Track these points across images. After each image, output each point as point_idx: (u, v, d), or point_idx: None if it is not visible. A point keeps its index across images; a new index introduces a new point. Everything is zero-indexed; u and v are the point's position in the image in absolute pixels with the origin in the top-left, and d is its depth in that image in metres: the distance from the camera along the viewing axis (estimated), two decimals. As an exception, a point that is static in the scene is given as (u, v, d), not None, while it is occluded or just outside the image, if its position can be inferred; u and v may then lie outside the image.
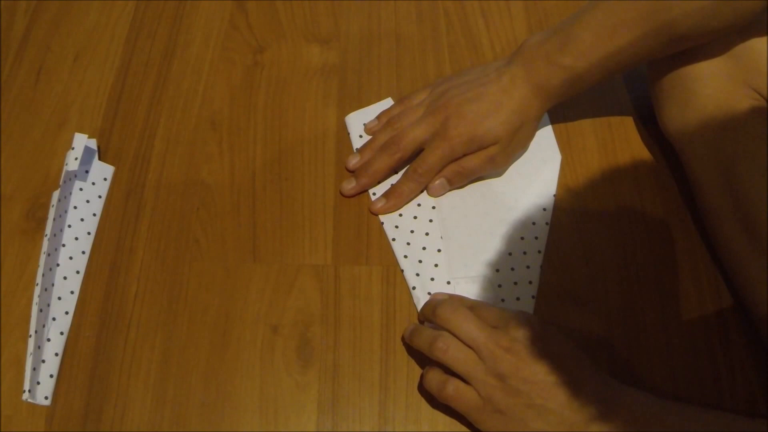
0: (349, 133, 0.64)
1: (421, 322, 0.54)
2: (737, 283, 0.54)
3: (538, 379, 0.46)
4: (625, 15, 0.52)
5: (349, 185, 0.60)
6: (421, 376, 0.51)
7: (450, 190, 0.60)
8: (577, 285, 0.56)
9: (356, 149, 0.63)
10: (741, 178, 0.52)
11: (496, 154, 0.57)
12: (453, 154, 0.57)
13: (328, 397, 0.52)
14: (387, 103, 0.65)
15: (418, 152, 0.59)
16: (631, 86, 0.67)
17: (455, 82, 0.60)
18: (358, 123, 0.64)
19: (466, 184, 0.61)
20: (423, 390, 0.51)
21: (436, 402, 0.51)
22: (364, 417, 0.51)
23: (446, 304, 0.50)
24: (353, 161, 0.61)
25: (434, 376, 0.50)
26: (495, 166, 0.59)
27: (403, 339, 0.54)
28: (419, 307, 0.55)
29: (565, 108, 0.65)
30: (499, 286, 0.56)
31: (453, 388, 0.48)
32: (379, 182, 0.61)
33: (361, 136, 0.63)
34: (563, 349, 0.47)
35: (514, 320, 0.48)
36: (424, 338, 0.50)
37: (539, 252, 0.57)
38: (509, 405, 0.46)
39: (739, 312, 0.55)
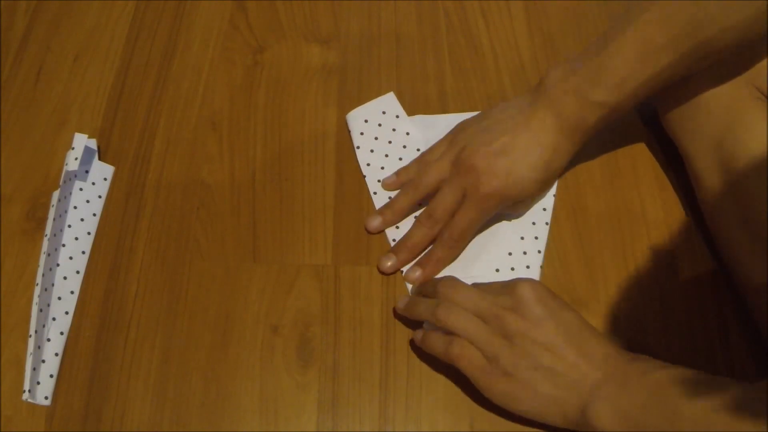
0: (350, 131, 0.64)
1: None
2: (738, 281, 0.54)
3: (546, 339, 0.46)
4: (659, 40, 0.49)
5: (390, 262, 0.56)
6: (413, 341, 0.52)
7: None
8: (577, 285, 0.56)
9: (357, 146, 0.62)
10: (743, 176, 0.52)
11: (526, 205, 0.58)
12: (483, 214, 0.55)
13: (328, 397, 0.52)
14: (389, 98, 0.65)
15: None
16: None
17: (477, 129, 0.56)
18: (360, 120, 0.64)
19: None
20: (424, 355, 0.52)
21: (436, 403, 0.51)
22: (364, 417, 0.51)
23: (446, 281, 0.51)
24: (374, 224, 0.58)
25: (438, 337, 0.49)
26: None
27: (395, 311, 0.54)
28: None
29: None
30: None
31: (459, 347, 0.48)
32: (418, 256, 0.57)
33: (362, 134, 0.63)
34: (570, 313, 0.47)
35: (517, 284, 0.48)
36: (424, 307, 0.50)
37: (539, 252, 0.57)
38: (516, 367, 0.46)
39: (739, 312, 0.55)
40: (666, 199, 0.60)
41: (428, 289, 0.52)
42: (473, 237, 0.57)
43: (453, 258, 0.56)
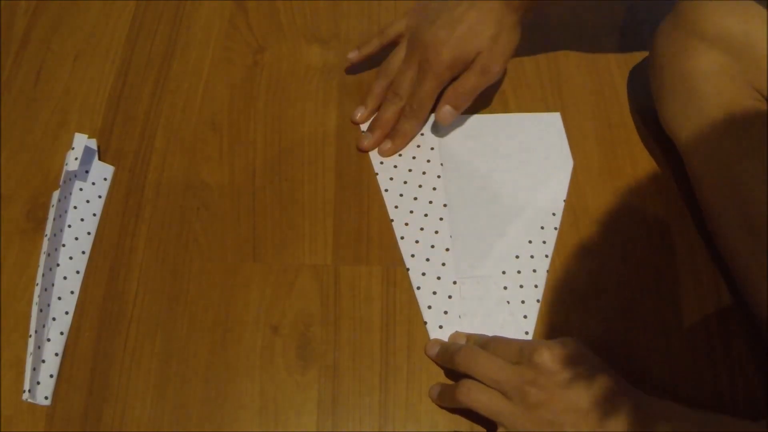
0: (362, 132, 0.64)
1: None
2: (739, 282, 0.54)
3: (569, 407, 0.45)
4: None
5: (366, 140, 0.62)
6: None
7: (459, 115, 0.61)
8: (577, 285, 0.56)
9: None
10: (743, 177, 0.52)
11: (485, 64, 0.58)
12: (441, 80, 0.59)
13: (328, 397, 0.52)
14: None
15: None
16: (632, 85, 0.67)
17: (425, 14, 0.61)
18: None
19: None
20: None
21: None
22: (364, 417, 0.51)
23: (464, 350, 0.50)
24: (360, 113, 0.64)
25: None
26: (491, 75, 0.59)
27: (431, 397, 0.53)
28: (423, 307, 0.55)
29: (565, 108, 0.65)
30: (505, 288, 0.56)
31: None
32: (388, 131, 0.63)
33: None
34: (590, 370, 0.46)
35: (535, 352, 0.47)
36: (448, 394, 0.50)
37: (546, 256, 0.57)
38: None
39: (740, 312, 0.55)
40: (666, 199, 0.60)
41: (446, 358, 0.52)
42: (433, 104, 0.61)
43: (419, 128, 0.63)
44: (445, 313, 0.55)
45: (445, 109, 0.60)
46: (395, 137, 0.62)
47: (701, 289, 0.56)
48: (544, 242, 0.58)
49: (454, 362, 0.50)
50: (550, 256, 0.57)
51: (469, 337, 0.53)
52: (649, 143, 0.63)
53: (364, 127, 0.64)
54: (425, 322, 0.55)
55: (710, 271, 0.57)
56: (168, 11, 0.72)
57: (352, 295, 0.56)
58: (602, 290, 0.56)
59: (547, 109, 0.65)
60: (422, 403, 0.52)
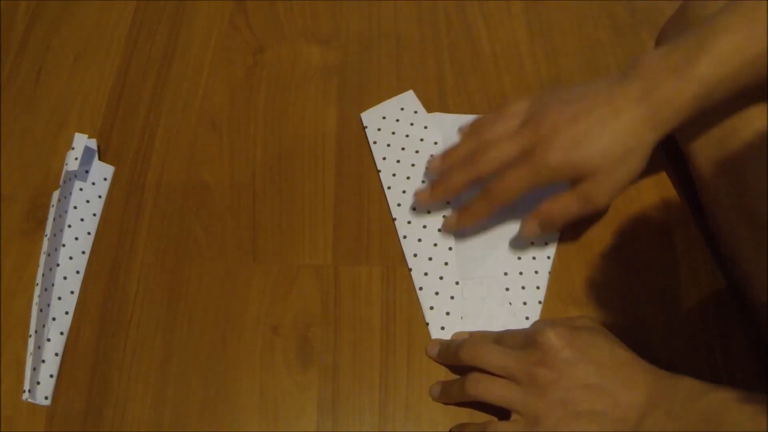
0: (365, 127, 0.63)
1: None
2: (740, 281, 0.54)
3: (580, 383, 0.45)
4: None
5: (424, 195, 0.56)
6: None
7: (542, 234, 0.55)
8: (577, 286, 0.56)
9: (374, 141, 0.62)
10: (747, 176, 0.51)
11: (591, 191, 0.49)
12: (537, 180, 0.50)
13: (328, 398, 0.52)
14: (408, 95, 0.65)
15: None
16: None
17: (560, 95, 0.52)
18: (377, 116, 0.64)
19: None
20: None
21: (436, 403, 0.51)
22: (364, 417, 0.51)
23: (468, 343, 0.50)
24: (434, 163, 0.56)
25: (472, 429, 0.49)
26: (593, 206, 0.50)
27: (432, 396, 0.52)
28: (425, 308, 0.55)
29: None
30: (507, 289, 0.56)
31: (499, 425, 0.47)
32: (454, 197, 0.56)
33: (379, 129, 0.63)
34: (599, 347, 0.46)
35: (537, 333, 0.47)
36: (456, 390, 0.50)
37: (548, 258, 0.57)
38: (559, 420, 0.45)
39: (740, 312, 0.55)
40: (666, 199, 0.60)
41: (450, 356, 0.51)
42: (516, 200, 0.52)
43: (488, 214, 0.53)
44: (447, 314, 0.55)
45: (532, 225, 0.52)
46: (463, 214, 0.54)
47: (701, 289, 0.56)
48: (546, 243, 0.58)
49: (459, 356, 0.49)
50: (552, 257, 0.57)
51: (472, 334, 0.54)
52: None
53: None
54: (427, 323, 0.55)
55: (710, 270, 0.57)
56: (168, 11, 0.72)
57: (352, 295, 0.56)
58: (603, 291, 0.56)
59: (547, 109, 0.65)
60: (422, 403, 0.52)
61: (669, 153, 0.61)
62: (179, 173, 0.62)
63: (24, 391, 0.52)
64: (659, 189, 0.61)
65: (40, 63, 0.69)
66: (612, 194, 0.50)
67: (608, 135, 0.48)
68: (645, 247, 0.58)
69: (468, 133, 0.56)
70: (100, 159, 0.62)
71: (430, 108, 0.65)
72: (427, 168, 0.58)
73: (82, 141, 0.60)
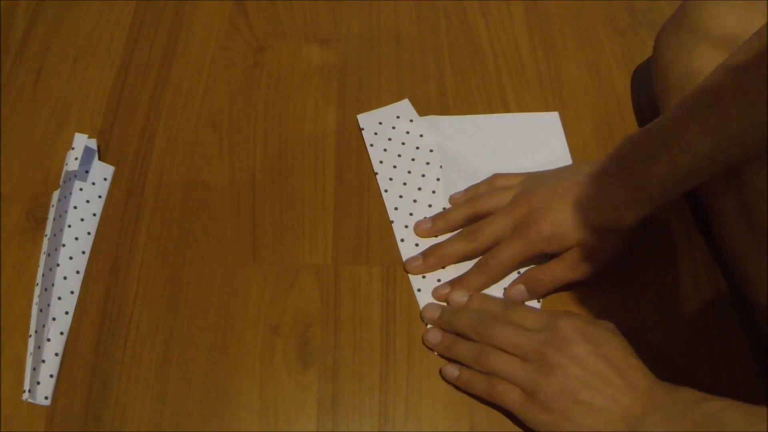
0: (362, 129, 0.64)
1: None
2: (739, 281, 0.54)
3: (587, 375, 0.46)
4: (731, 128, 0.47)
5: (416, 262, 0.56)
6: (443, 371, 0.52)
7: (529, 300, 0.55)
8: (577, 287, 0.56)
9: (370, 144, 0.63)
10: (745, 177, 0.51)
11: (578, 261, 0.53)
12: (530, 251, 0.53)
13: (328, 397, 0.52)
14: (404, 104, 0.65)
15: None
16: (632, 85, 0.67)
17: (549, 174, 0.56)
18: (374, 121, 0.64)
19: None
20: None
21: (436, 403, 0.51)
22: (364, 417, 0.51)
23: (486, 319, 0.50)
24: (425, 226, 0.58)
25: (477, 379, 0.50)
26: (578, 274, 0.53)
27: (423, 341, 0.53)
28: (422, 306, 0.55)
29: (565, 108, 0.65)
30: (505, 288, 0.56)
31: (499, 388, 0.48)
32: (446, 266, 0.56)
33: (376, 134, 0.63)
34: (613, 347, 0.47)
35: (561, 320, 0.48)
36: (465, 350, 0.50)
37: (546, 257, 0.57)
38: (555, 401, 0.46)
39: (740, 312, 0.55)
40: (666, 199, 0.60)
41: (463, 322, 0.52)
42: (510, 273, 0.55)
43: (484, 286, 0.55)
44: None
45: (519, 288, 0.54)
46: (457, 286, 0.55)
47: (701, 289, 0.56)
48: None
49: (476, 329, 0.50)
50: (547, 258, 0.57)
51: (485, 300, 0.53)
52: (649, 143, 0.63)
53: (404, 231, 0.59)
54: (427, 326, 0.55)
55: (710, 270, 0.57)
56: (168, 11, 0.72)
57: (352, 295, 0.56)
58: (602, 290, 0.56)
59: (547, 109, 0.65)
60: (422, 403, 0.52)
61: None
62: (179, 173, 0.62)
63: (24, 391, 0.52)
64: (659, 189, 0.61)
65: (40, 63, 0.69)
66: (597, 266, 0.53)
67: (595, 210, 0.51)
68: (645, 247, 0.58)
69: (462, 202, 0.58)
70: (100, 159, 0.62)
71: (430, 108, 0.65)
72: (415, 232, 0.58)
73: (82, 141, 0.60)
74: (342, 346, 0.54)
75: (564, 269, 0.53)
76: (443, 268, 0.56)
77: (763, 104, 0.46)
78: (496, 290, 0.55)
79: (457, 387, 0.51)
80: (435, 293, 0.55)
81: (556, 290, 0.55)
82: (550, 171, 0.57)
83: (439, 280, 0.56)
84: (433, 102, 0.66)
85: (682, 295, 0.56)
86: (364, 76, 0.67)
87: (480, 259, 0.55)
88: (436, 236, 0.58)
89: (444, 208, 0.60)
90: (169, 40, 0.70)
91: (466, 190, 0.60)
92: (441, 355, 0.53)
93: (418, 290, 0.56)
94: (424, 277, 0.56)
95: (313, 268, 0.57)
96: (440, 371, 0.52)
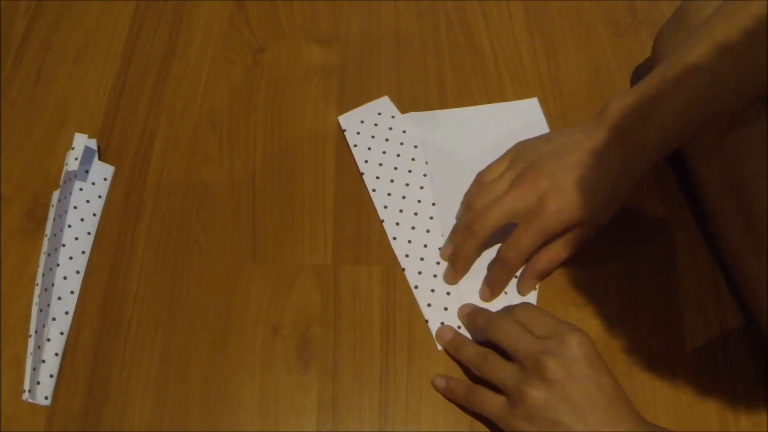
0: (344, 131, 0.63)
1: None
2: (739, 282, 0.54)
3: (578, 399, 0.45)
4: (725, 66, 0.48)
5: (450, 274, 0.56)
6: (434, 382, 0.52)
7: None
8: (577, 286, 0.56)
9: (354, 144, 0.62)
10: (744, 176, 0.51)
11: (581, 237, 0.53)
12: (549, 234, 0.52)
13: (328, 397, 0.52)
14: (384, 101, 0.65)
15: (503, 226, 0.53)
16: (633, 82, 0.67)
17: (541, 149, 0.54)
18: (356, 120, 0.64)
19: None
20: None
21: (436, 403, 0.51)
22: (364, 417, 0.51)
23: (497, 317, 0.50)
24: (446, 251, 0.57)
25: (459, 387, 0.50)
26: (580, 249, 0.55)
27: (438, 338, 0.54)
28: (422, 305, 0.55)
29: (564, 108, 0.65)
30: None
31: (480, 398, 0.48)
32: (472, 263, 0.56)
33: (358, 133, 0.63)
34: (610, 379, 0.46)
35: (570, 334, 0.46)
36: (469, 354, 0.51)
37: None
38: (536, 416, 0.45)
39: (740, 312, 0.55)
40: (666, 199, 0.60)
41: (480, 323, 0.52)
42: (531, 253, 0.54)
43: (509, 280, 0.55)
44: (446, 309, 0.55)
45: (531, 284, 0.55)
46: (491, 285, 0.55)
47: (701, 289, 0.56)
48: None
49: (489, 329, 0.50)
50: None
51: (507, 308, 0.53)
52: (649, 143, 0.63)
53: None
54: (426, 321, 0.55)
55: (710, 271, 0.57)
56: (168, 11, 0.72)
57: (352, 295, 0.56)
58: (603, 291, 0.56)
59: (547, 109, 0.65)
60: (422, 403, 0.52)
61: (670, 155, 0.61)
62: (179, 173, 0.62)
63: (24, 391, 0.52)
64: (659, 189, 0.61)
65: (40, 63, 0.69)
66: (592, 238, 0.54)
67: (606, 183, 0.51)
68: (645, 247, 0.58)
69: (464, 225, 0.55)
70: (100, 159, 0.62)
71: (430, 108, 0.65)
72: (442, 257, 0.57)
73: (82, 141, 0.60)
74: (342, 346, 0.54)
75: (568, 248, 0.54)
76: (484, 282, 0.56)
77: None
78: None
79: (446, 397, 0.52)
80: (481, 293, 0.56)
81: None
82: (540, 143, 0.55)
83: (435, 276, 0.56)
84: (433, 102, 0.66)
85: (682, 296, 0.56)
86: (364, 76, 0.67)
87: (499, 253, 0.54)
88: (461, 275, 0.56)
89: (433, 204, 0.59)
90: (169, 40, 0.70)
91: (462, 202, 0.58)
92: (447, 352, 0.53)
93: (416, 287, 0.56)
94: (420, 273, 0.56)
95: (313, 268, 0.57)
96: (431, 383, 0.52)
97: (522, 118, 0.64)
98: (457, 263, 0.55)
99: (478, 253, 0.56)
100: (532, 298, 0.56)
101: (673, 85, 0.50)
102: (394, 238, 0.58)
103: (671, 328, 0.54)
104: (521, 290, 0.55)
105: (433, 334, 0.54)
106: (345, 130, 0.63)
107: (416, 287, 0.56)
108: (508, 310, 0.51)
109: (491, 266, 0.55)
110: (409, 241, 0.58)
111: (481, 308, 0.54)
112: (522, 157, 0.55)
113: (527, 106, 0.65)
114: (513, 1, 0.73)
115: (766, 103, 0.53)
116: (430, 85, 0.67)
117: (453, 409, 0.51)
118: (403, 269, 0.57)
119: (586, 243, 0.54)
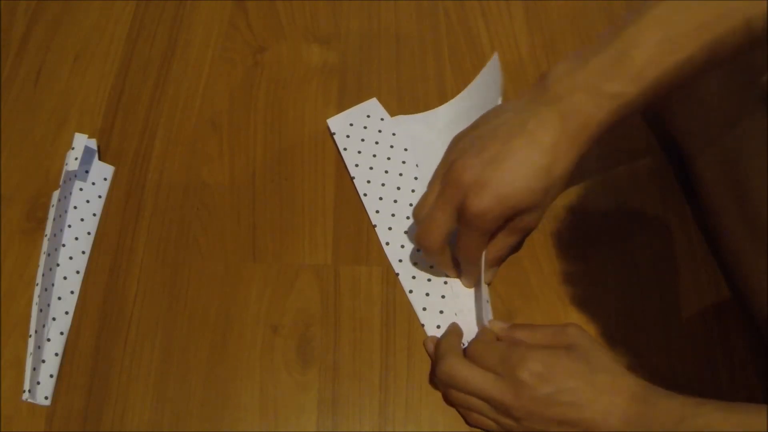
0: (333, 134, 0.63)
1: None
2: (739, 281, 0.54)
3: (554, 416, 0.45)
4: (682, 27, 0.42)
5: (465, 281, 0.56)
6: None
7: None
8: (577, 286, 0.56)
9: (344, 148, 0.62)
10: (744, 174, 0.51)
11: (529, 222, 0.50)
12: (488, 230, 0.49)
13: (328, 397, 0.52)
14: (372, 103, 0.65)
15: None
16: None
17: (468, 140, 0.50)
18: (344, 123, 0.64)
19: None
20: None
21: (436, 403, 0.51)
22: (364, 417, 0.51)
23: (443, 363, 0.49)
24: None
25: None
26: (530, 232, 0.54)
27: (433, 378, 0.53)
28: (417, 310, 0.55)
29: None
30: None
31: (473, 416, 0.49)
32: (455, 265, 0.55)
33: (348, 136, 0.63)
34: (577, 380, 0.46)
35: (518, 366, 0.46)
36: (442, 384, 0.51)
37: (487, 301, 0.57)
38: (531, 414, 0.46)
39: (740, 312, 0.55)
40: (666, 198, 0.60)
41: (438, 373, 0.51)
42: (482, 250, 0.52)
43: (477, 275, 0.53)
44: (441, 312, 0.55)
45: (490, 273, 0.55)
46: (466, 278, 0.56)
47: (701, 289, 0.56)
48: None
49: (438, 378, 0.50)
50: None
51: (445, 344, 0.52)
52: (650, 141, 0.63)
53: None
54: (422, 324, 0.55)
55: (710, 270, 0.57)
56: (168, 11, 0.72)
57: (352, 295, 0.56)
58: (601, 289, 0.56)
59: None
60: (422, 403, 0.52)
61: (669, 154, 0.61)
62: (179, 173, 0.62)
63: (24, 391, 0.52)
64: (659, 189, 0.61)
65: (40, 63, 0.69)
66: (544, 215, 0.50)
67: (536, 168, 0.46)
68: (645, 247, 0.58)
69: (433, 199, 0.52)
70: (100, 159, 0.62)
71: (430, 108, 0.65)
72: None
73: (82, 141, 0.60)
74: (342, 346, 0.54)
75: (518, 234, 0.51)
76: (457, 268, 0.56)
77: None
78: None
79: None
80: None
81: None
82: (469, 132, 0.51)
83: (429, 280, 0.56)
84: (433, 102, 0.66)
85: (682, 296, 0.56)
86: (364, 76, 0.67)
87: (456, 254, 0.53)
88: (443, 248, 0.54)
89: (413, 190, 0.59)
90: (169, 40, 0.70)
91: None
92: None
93: (410, 291, 0.56)
94: (414, 277, 0.56)
95: (313, 268, 0.57)
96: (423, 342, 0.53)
97: (492, 86, 0.60)
98: (449, 271, 0.56)
99: (448, 256, 0.54)
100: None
101: (625, 47, 0.44)
102: (387, 243, 0.58)
103: (671, 328, 0.54)
104: (484, 280, 0.54)
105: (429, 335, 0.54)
106: (334, 134, 0.63)
107: (411, 291, 0.56)
108: (460, 351, 0.51)
109: (462, 270, 0.55)
110: (402, 246, 0.58)
111: (439, 353, 0.51)
112: (452, 152, 0.51)
113: (491, 68, 0.62)
114: (513, 1, 0.73)
115: (766, 103, 0.53)
116: (430, 85, 0.67)
117: (453, 409, 0.51)
118: (397, 274, 0.57)
119: (536, 224, 0.51)
